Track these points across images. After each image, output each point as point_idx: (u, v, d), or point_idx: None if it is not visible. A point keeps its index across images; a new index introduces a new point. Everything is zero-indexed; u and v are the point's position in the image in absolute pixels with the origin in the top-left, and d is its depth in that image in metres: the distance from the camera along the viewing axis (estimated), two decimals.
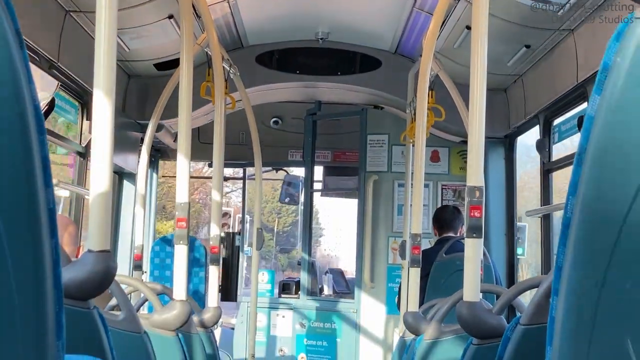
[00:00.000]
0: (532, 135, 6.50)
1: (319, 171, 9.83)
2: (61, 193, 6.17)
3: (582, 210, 1.22)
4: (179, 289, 4.16)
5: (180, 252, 4.19)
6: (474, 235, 3.27)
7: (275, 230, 44.34)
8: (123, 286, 3.87)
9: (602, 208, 1.17)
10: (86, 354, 1.37)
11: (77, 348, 1.47)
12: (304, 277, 8.52)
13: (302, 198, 9.81)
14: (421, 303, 5.14)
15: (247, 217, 11.07)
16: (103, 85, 2.58)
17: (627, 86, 1.14)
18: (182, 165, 4.24)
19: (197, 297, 7.34)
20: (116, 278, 2.83)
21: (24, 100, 0.95)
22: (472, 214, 3.26)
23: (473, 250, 3.28)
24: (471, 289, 3.21)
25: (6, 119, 0.92)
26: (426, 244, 6.77)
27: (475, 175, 3.28)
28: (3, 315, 0.93)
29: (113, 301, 4.22)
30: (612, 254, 1.16)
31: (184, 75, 4.13)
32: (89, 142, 6.09)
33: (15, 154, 0.94)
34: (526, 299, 3.69)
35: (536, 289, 2.79)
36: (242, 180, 10.82)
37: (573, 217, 1.25)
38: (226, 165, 6.34)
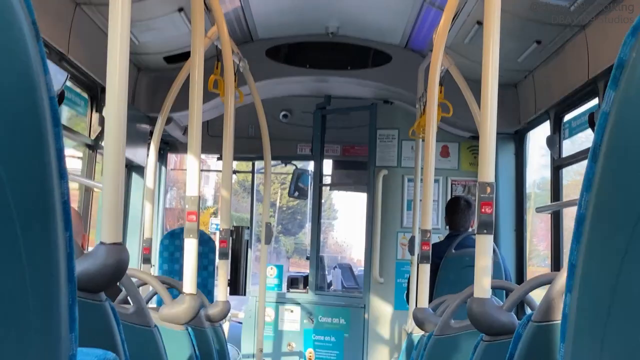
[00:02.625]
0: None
1: (327, 165, 9.82)
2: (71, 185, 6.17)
3: (597, 206, 1.21)
4: (189, 283, 4.14)
5: (190, 246, 4.17)
6: (485, 231, 3.26)
7: (278, 204, 36.66)
8: (133, 279, 3.86)
9: (618, 203, 1.16)
10: (98, 347, 1.37)
11: (89, 341, 1.47)
12: (312, 273, 8.52)
13: (311, 192, 9.79)
14: (430, 299, 5.12)
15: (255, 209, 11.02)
16: (116, 78, 2.57)
17: None
18: (193, 158, 4.23)
19: (204, 291, 7.34)
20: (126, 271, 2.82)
21: (39, 91, 0.94)
22: (483, 210, 3.25)
23: (483, 247, 3.27)
24: (481, 286, 3.21)
25: (22, 111, 0.92)
26: (435, 240, 6.75)
27: (486, 171, 3.27)
28: (17, 309, 0.93)
29: (121, 295, 4.22)
30: (627, 251, 1.15)
31: (195, 69, 4.11)
32: (98, 134, 6.10)
33: (30, 146, 0.94)
34: (535, 295, 3.68)
35: (547, 285, 2.78)
36: (250, 174, 10.80)
37: (587, 213, 1.24)
38: (235, 158, 6.34)
